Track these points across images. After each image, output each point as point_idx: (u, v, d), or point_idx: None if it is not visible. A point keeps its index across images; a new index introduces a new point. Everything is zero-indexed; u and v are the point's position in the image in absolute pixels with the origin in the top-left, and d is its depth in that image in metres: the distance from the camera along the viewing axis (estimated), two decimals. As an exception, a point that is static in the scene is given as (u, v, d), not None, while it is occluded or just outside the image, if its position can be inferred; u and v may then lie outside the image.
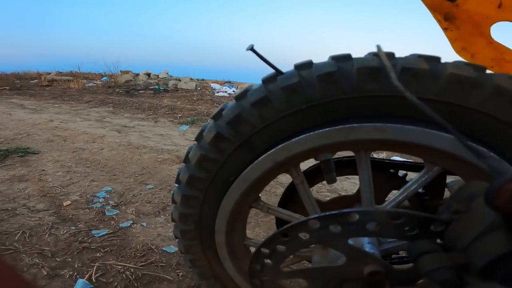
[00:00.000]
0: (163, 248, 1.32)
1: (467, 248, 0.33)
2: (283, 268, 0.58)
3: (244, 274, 0.78)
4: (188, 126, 4.06)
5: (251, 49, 0.52)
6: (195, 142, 0.64)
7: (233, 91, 8.09)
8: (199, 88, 8.16)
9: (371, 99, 0.50)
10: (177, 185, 0.72)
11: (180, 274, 1.17)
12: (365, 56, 0.55)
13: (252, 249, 0.84)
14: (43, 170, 2.14)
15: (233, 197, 0.64)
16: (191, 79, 9.18)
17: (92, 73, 10.29)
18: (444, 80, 0.48)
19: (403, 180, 0.75)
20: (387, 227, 0.42)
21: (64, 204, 1.67)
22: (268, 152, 0.55)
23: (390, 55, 0.52)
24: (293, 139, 0.53)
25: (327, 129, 0.51)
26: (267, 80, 0.55)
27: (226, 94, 7.45)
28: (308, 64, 0.53)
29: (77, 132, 3.32)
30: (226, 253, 0.76)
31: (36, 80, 8.42)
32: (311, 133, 0.52)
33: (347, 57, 0.53)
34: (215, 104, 6.06)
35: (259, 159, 0.56)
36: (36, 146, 2.69)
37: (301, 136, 0.52)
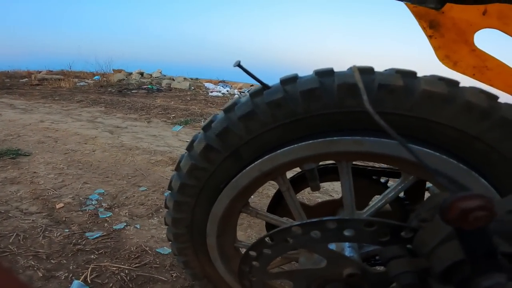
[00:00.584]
0: (156, 250, 1.35)
1: (429, 254, 0.37)
2: (271, 269, 0.61)
3: (234, 275, 0.81)
4: (181, 126, 4.06)
5: (238, 65, 0.55)
6: (186, 152, 0.67)
7: (227, 90, 8.10)
8: (193, 88, 8.14)
9: (351, 114, 0.53)
10: (169, 191, 0.75)
11: (174, 274, 1.20)
12: (348, 70, 0.58)
13: (243, 251, 0.88)
14: (34, 172, 2.14)
15: (223, 203, 0.67)
16: (184, 78, 9.14)
17: (83, 71, 10.13)
18: (417, 96, 0.51)
19: (384, 186, 0.79)
20: (363, 234, 0.46)
21: (57, 206, 1.68)
22: (255, 162, 0.58)
23: (369, 70, 0.55)
24: (278, 151, 0.56)
25: (309, 141, 0.54)
26: (254, 94, 0.58)
27: (220, 94, 7.45)
28: (293, 79, 0.57)
29: (68, 133, 3.29)
30: (218, 255, 0.79)
31: (26, 79, 8.26)
32: (295, 145, 0.55)
33: (329, 72, 0.56)
34: (208, 104, 6.06)
35: (247, 168, 0.60)
36: (27, 147, 2.67)
37: (285, 148, 0.56)
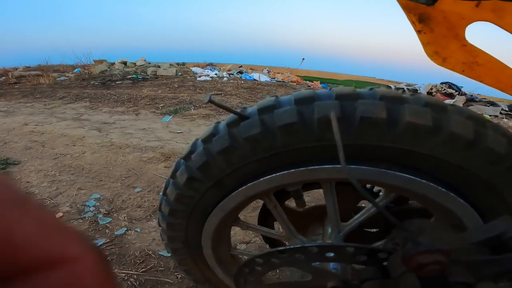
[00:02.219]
0: (159, 253, 1.41)
1: (397, 280, 0.41)
2: (266, 276, 0.66)
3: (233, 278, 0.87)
4: (171, 116, 4.01)
5: (210, 100, 0.54)
6: (171, 179, 0.68)
7: (215, 74, 7.89)
8: (180, 74, 7.90)
9: (332, 147, 0.52)
10: (160, 213, 0.77)
11: (179, 276, 1.27)
12: (329, 91, 0.55)
13: (240, 256, 0.93)
14: (27, 182, 2.13)
15: (213, 223, 0.71)
16: (171, 64, 8.81)
17: (62, 64, 9.65)
18: (401, 129, 0.50)
19: (371, 192, 0.83)
20: (342, 256, 0.50)
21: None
22: (239, 189, 0.61)
23: (352, 96, 0.52)
24: (261, 179, 0.58)
25: (291, 170, 0.55)
26: (231, 124, 0.58)
27: (208, 78, 7.27)
28: (270, 108, 0.55)
29: (54, 135, 3.22)
30: (215, 263, 0.84)
31: (4, 78, 7.87)
32: (277, 173, 0.57)
33: (309, 100, 0.53)
34: (197, 90, 5.93)
35: (232, 194, 0.62)
36: (15, 155, 2.63)
37: (267, 177, 0.57)
